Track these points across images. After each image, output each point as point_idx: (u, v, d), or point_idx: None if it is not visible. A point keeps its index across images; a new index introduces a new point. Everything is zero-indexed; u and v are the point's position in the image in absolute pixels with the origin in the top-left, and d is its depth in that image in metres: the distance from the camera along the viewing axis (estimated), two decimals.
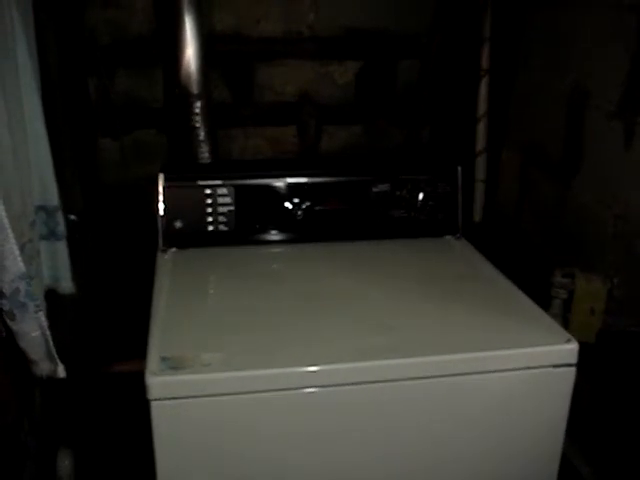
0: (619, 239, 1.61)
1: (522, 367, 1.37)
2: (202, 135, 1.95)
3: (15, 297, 1.30)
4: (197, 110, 1.92)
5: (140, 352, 1.31)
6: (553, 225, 1.88)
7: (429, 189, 1.86)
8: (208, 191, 1.78)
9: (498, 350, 1.37)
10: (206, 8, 1.94)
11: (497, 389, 1.38)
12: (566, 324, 1.63)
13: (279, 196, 1.81)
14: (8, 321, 1.33)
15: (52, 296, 1.63)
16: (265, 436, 1.31)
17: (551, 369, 1.37)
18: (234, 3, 2.04)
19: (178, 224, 1.77)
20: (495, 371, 1.36)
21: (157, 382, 1.23)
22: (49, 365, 1.46)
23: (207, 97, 1.93)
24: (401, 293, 1.57)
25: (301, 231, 1.83)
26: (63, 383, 1.53)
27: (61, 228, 1.64)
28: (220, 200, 1.78)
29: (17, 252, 1.26)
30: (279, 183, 1.81)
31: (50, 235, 1.63)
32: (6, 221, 1.22)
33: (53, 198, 1.61)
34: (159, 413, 1.25)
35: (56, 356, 1.45)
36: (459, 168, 1.88)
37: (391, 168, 1.90)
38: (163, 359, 1.27)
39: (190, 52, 1.87)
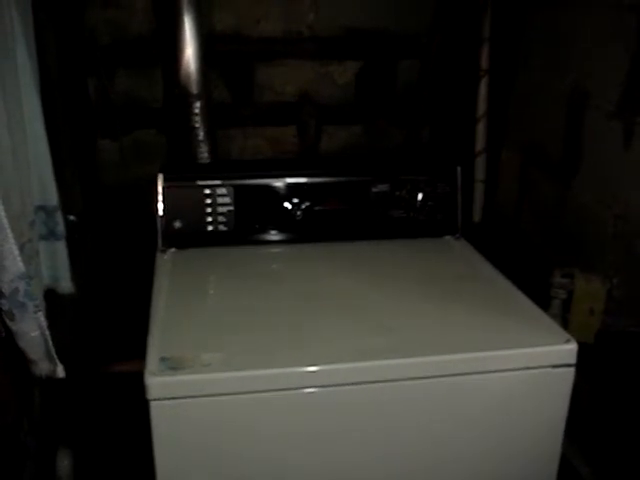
0: (619, 239, 1.61)
1: (521, 367, 1.37)
2: (201, 135, 1.95)
3: (14, 297, 1.30)
4: (196, 110, 1.92)
5: (139, 352, 1.31)
6: (553, 225, 1.88)
7: (428, 189, 1.86)
8: (207, 191, 1.78)
9: (497, 350, 1.37)
10: (206, 8, 1.94)
11: (496, 389, 1.38)
12: (565, 324, 1.63)
13: (279, 196, 1.81)
14: (7, 321, 1.33)
15: (51, 296, 1.63)
16: (265, 436, 1.31)
17: (550, 369, 1.37)
18: (234, 3, 2.04)
19: (177, 224, 1.77)
20: (494, 371, 1.36)
21: (156, 382, 1.24)
22: (48, 365, 1.46)
23: (207, 97, 1.93)
24: (400, 293, 1.57)
25: (300, 231, 1.83)
26: (62, 383, 1.53)
27: (60, 228, 1.64)
28: (219, 200, 1.78)
29: (16, 252, 1.26)
30: (279, 183, 1.81)
31: (49, 235, 1.63)
32: (5, 221, 1.22)
33: (52, 198, 1.62)
34: (158, 413, 1.25)
35: (55, 356, 1.45)
36: (459, 168, 1.88)
37: (391, 168, 1.90)
38: (162, 359, 1.27)
39: (190, 52, 1.87)
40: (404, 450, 1.38)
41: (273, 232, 1.83)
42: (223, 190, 1.78)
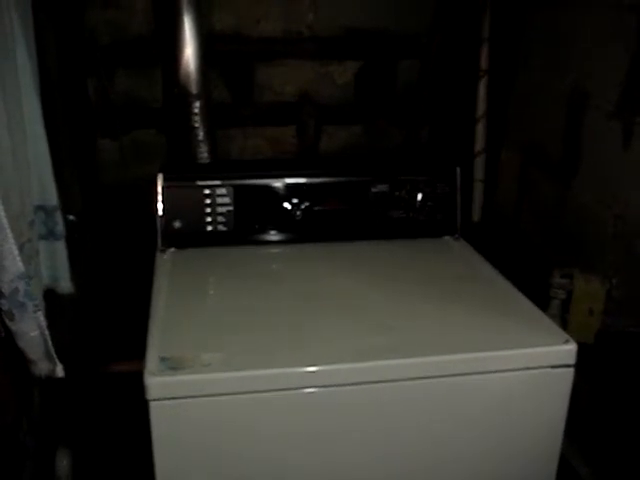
0: (618, 239, 1.61)
1: (521, 367, 1.37)
2: (201, 135, 1.95)
3: (14, 297, 1.30)
4: (196, 110, 1.92)
5: (139, 352, 1.31)
6: (552, 225, 1.88)
7: (428, 189, 1.86)
8: (207, 191, 1.78)
9: (497, 350, 1.37)
10: (205, 8, 1.93)
11: (496, 389, 1.38)
12: (565, 325, 1.63)
13: (278, 196, 1.81)
14: (7, 321, 1.33)
15: (51, 296, 1.63)
16: (265, 436, 1.31)
17: (550, 370, 1.37)
18: (234, 3, 2.04)
19: (177, 224, 1.77)
20: (494, 371, 1.36)
21: (156, 382, 1.23)
22: (48, 365, 1.46)
23: (206, 97, 1.93)
24: (400, 293, 1.57)
25: (300, 231, 1.83)
26: (62, 383, 1.53)
27: (60, 228, 1.64)
28: (219, 200, 1.78)
29: (16, 252, 1.26)
30: (278, 183, 1.81)
31: (49, 235, 1.63)
32: (5, 221, 1.22)
33: (52, 198, 1.62)
34: (158, 413, 1.25)
35: (55, 356, 1.45)
36: (458, 168, 1.88)
37: (390, 168, 1.90)
38: (162, 359, 1.27)
39: (189, 52, 1.87)
40: (404, 450, 1.39)
41: (273, 232, 1.83)
42: (223, 190, 1.78)
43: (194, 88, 1.90)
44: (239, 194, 1.79)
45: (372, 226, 1.86)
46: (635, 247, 1.56)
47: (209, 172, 1.83)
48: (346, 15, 2.12)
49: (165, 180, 1.76)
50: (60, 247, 1.66)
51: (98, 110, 2.06)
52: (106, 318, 2.10)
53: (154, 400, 1.24)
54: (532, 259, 1.95)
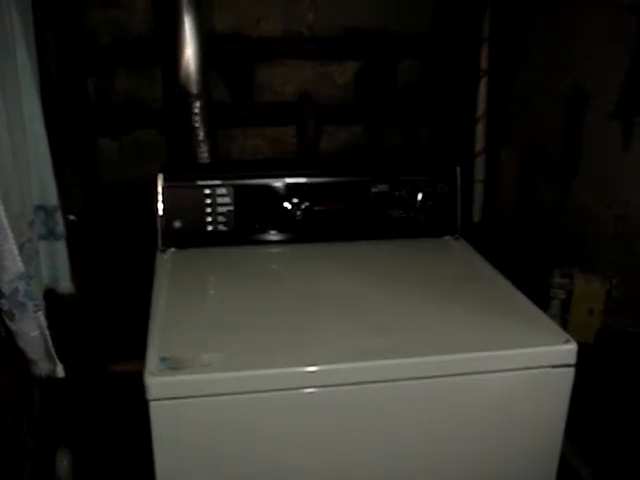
0: (618, 239, 1.61)
1: (521, 367, 1.37)
2: (201, 135, 1.95)
3: (14, 297, 1.30)
4: (196, 110, 1.92)
5: (139, 352, 1.31)
6: (552, 225, 1.88)
7: (428, 189, 1.86)
8: (207, 191, 1.78)
9: (497, 350, 1.37)
10: (206, 8, 1.93)
11: (496, 389, 1.38)
12: (565, 325, 1.63)
13: (278, 196, 1.81)
14: (7, 321, 1.33)
15: (51, 296, 1.63)
16: (265, 436, 1.31)
17: (550, 369, 1.37)
18: (234, 3, 2.04)
19: (177, 224, 1.77)
20: (494, 371, 1.36)
21: (156, 382, 1.24)
22: (48, 365, 1.46)
23: (206, 97, 1.93)
24: (400, 293, 1.57)
25: (300, 231, 1.83)
26: (62, 383, 1.53)
27: (60, 228, 1.64)
28: (219, 200, 1.79)
29: (16, 252, 1.26)
30: (278, 183, 1.81)
31: (49, 235, 1.63)
32: (5, 221, 1.22)
33: (52, 198, 1.62)
34: (158, 413, 1.25)
35: (55, 356, 1.45)
36: (458, 168, 1.88)
37: (390, 168, 1.90)
38: (162, 359, 1.27)
39: (189, 52, 1.87)
40: (404, 450, 1.39)
41: (273, 232, 1.83)
42: (223, 190, 1.78)
43: (194, 88, 1.90)
44: (239, 194, 1.79)
45: (372, 226, 1.86)
46: (635, 247, 1.56)
47: (209, 172, 1.83)
48: (346, 15, 2.12)
49: (165, 180, 1.76)
50: (60, 247, 1.66)
51: (98, 110, 2.06)
52: (106, 318, 2.10)
53: (154, 400, 1.24)
54: (532, 259, 1.95)
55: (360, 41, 2.15)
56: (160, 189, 1.75)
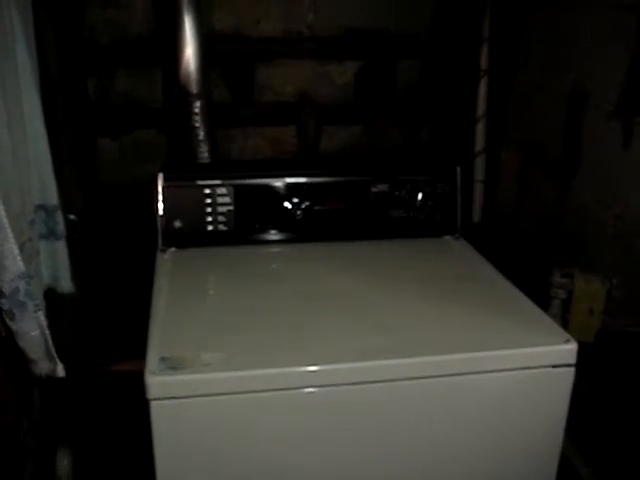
0: (618, 239, 1.61)
1: (521, 367, 1.37)
2: (201, 135, 1.95)
3: (14, 296, 1.30)
4: (196, 110, 1.92)
5: (139, 352, 1.31)
6: (552, 225, 1.89)
7: (428, 189, 1.86)
8: (207, 191, 1.78)
9: (497, 350, 1.37)
10: (206, 8, 1.94)
11: (496, 389, 1.38)
12: (565, 324, 1.63)
13: (278, 196, 1.81)
14: (7, 320, 1.33)
15: (51, 295, 1.63)
16: (264, 436, 1.31)
17: (550, 369, 1.37)
18: (234, 3, 2.04)
19: (177, 224, 1.77)
20: (494, 371, 1.36)
21: (156, 382, 1.23)
22: (48, 364, 1.46)
23: (206, 97, 1.93)
24: (400, 293, 1.57)
25: (300, 231, 1.83)
26: (62, 382, 1.53)
27: (60, 227, 1.64)
28: (219, 200, 1.79)
29: (16, 251, 1.26)
30: (278, 183, 1.81)
31: (49, 234, 1.63)
32: (5, 220, 1.22)
33: (52, 197, 1.62)
34: (158, 413, 1.25)
35: (55, 355, 1.45)
36: (458, 168, 1.88)
37: (390, 168, 1.90)
38: (162, 359, 1.27)
39: (189, 52, 1.87)
40: (404, 450, 1.38)
41: (273, 232, 1.83)
42: (223, 190, 1.78)
43: (194, 88, 1.90)
44: (239, 194, 1.79)
45: (372, 226, 1.86)
46: (635, 247, 1.56)
47: (209, 172, 1.83)
48: (346, 15, 2.12)
49: (165, 180, 1.76)
50: (60, 246, 1.66)
51: (98, 109, 2.06)
52: (106, 318, 2.10)
53: (154, 399, 1.24)
54: (532, 259, 1.95)
55: (360, 41, 2.15)
56: (160, 189, 1.75)
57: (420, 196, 1.85)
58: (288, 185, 1.81)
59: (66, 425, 1.87)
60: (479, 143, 2.10)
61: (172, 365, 1.26)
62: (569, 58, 1.78)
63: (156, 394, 1.24)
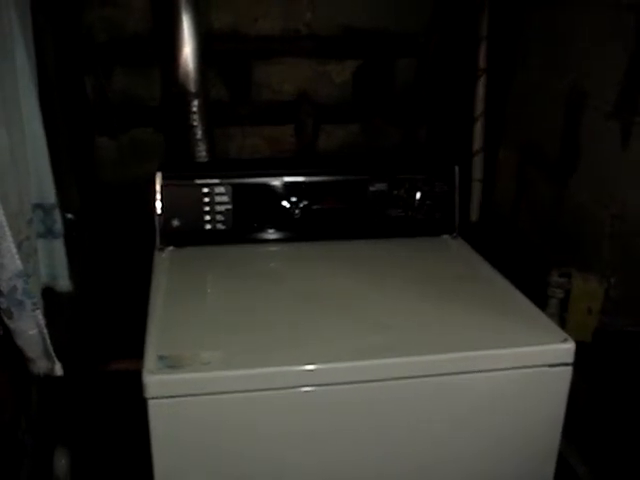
0: (616, 239, 1.62)
1: (519, 366, 1.37)
2: (199, 134, 1.95)
3: (12, 295, 1.30)
4: (194, 109, 1.92)
5: (137, 350, 1.31)
6: (550, 224, 1.89)
7: (426, 188, 1.86)
8: (205, 190, 1.78)
9: (495, 349, 1.37)
10: (203, 6, 1.93)
11: (494, 388, 1.38)
12: (563, 323, 1.63)
13: (277, 195, 1.81)
14: (5, 319, 1.33)
15: (49, 294, 1.63)
16: (263, 435, 1.31)
17: (548, 368, 1.37)
18: (232, 2, 2.04)
19: (175, 223, 1.77)
20: (492, 370, 1.36)
21: (154, 380, 1.23)
22: (46, 363, 1.46)
23: (204, 96, 1.93)
24: (398, 292, 1.57)
25: (298, 230, 1.83)
26: (60, 381, 1.53)
27: (58, 226, 1.64)
28: (217, 199, 1.78)
29: (14, 250, 1.26)
30: (277, 182, 1.81)
31: (47, 233, 1.63)
32: (3, 219, 1.22)
33: (50, 196, 1.62)
34: (156, 411, 1.25)
35: (53, 354, 1.45)
36: (456, 167, 1.88)
37: (388, 167, 1.90)
38: (160, 357, 1.27)
39: (187, 50, 1.87)
40: (403, 449, 1.39)
41: (271, 231, 1.83)
42: (221, 189, 1.78)
43: (192, 87, 1.90)
44: (237, 193, 1.79)
45: (370, 225, 1.86)
46: (633, 246, 1.56)
47: (207, 171, 1.83)
48: (344, 14, 2.12)
49: (163, 178, 1.76)
50: (58, 245, 1.66)
51: (96, 108, 2.06)
52: (104, 316, 2.10)
53: (152, 398, 1.24)
54: (530, 258, 1.96)
55: (358, 40, 2.15)
56: (158, 188, 1.75)
57: (418, 195, 1.86)
58: (286, 184, 1.81)
59: (64, 424, 1.86)
60: (477, 142, 2.10)
61: (170, 364, 1.26)
62: (567, 57, 1.78)
63: (154, 393, 1.24)
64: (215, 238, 1.80)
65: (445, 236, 1.89)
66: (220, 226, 1.79)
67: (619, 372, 1.63)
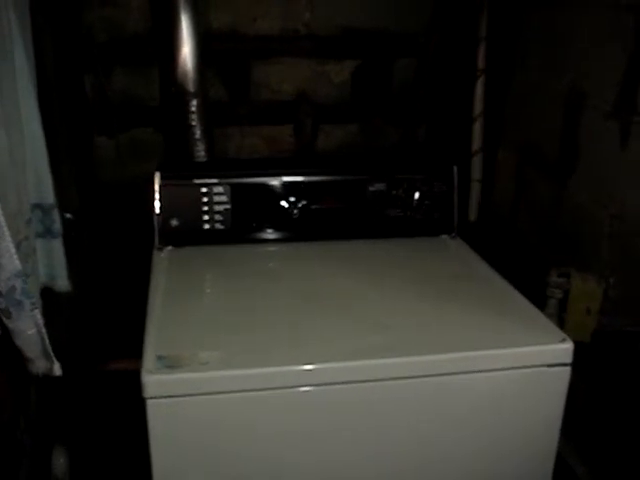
0: (615, 239, 1.62)
1: (517, 366, 1.37)
2: (198, 133, 1.95)
3: (11, 295, 1.29)
4: (193, 108, 1.92)
5: (136, 350, 1.31)
6: (549, 225, 1.89)
7: (425, 188, 1.86)
8: (204, 189, 1.78)
9: (494, 349, 1.37)
10: (202, 6, 1.93)
11: (493, 388, 1.38)
12: (561, 324, 1.63)
13: (275, 195, 1.81)
14: (4, 319, 1.33)
15: (48, 294, 1.63)
16: (261, 434, 1.31)
17: (546, 368, 1.37)
18: (231, 1, 2.04)
19: (174, 222, 1.77)
20: (490, 370, 1.36)
21: (153, 380, 1.23)
22: (45, 363, 1.46)
23: (203, 95, 1.93)
24: (397, 292, 1.57)
25: (297, 230, 1.83)
26: (59, 381, 1.53)
27: (57, 226, 1.64)
28: (216, 198, 1.78)
29: (13, 250, 1.26)
30: (275, 182, 1.81)
31: (46, 233, 1.63)
32: (2, 219, 1.22)
33: (49, 196, 1.62)
34: (155, 411, 1.25)
35: (52, 354, 1.45)
36: (455, 167, 1.88)
37: (387, 167, 1.90)
38: (159, 357, 1.27)
39: (186, 50, 1.86)
40: (401, 449, 1.38)
41: (270, 230, 1.83)
42: (220, 188, 1.78)
43: (191, 86, 1.90)
44: (236, 192, 1.79)
45: (369, 225, 1.86)
46: (631, 247, 1.57)
47: (206, 170, 1.83)
48: (343, 14, 2.12)
49: (162, 178, 1.76)
50: (57, 245, 1.66)
51: (95, 108, 2.06)
52: (103, 316, 2.10)
53: (151, 398, 1.24)
54: (529, 258, 1.96)
55: (357, 40, 2.15)
56: (157, 187, 1.75)
57: (417, 195, 1.85)
58: (285, 184, 1.81)
59: (62, 424, 1.86)
60: (476, 142, 2.10)
61: (169, 364, 1.26)
62: (566, 58, 1.78)
63: (152, 393, 1.24)
64: (214, 238, 1.80)
65: (444, 236, 1.89)
66: (219, 226, 1.79)
67: (618, 372, 1.63)
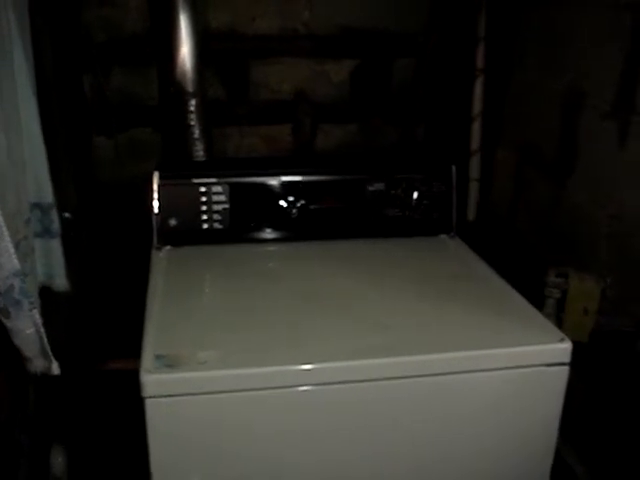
0: (613, 239, 1.62)
1: (515, 366, 1.37)
2: (197, 133, 1.95)
3: (9, 294, 1.30)
4: (192, 108, 1.92)
5: (135, 350, 1.31)
6: (547, 225, 1.89)
7: (424, 188, 1.86)
8: (203, 189, 1.78)
9: (492, 349, 1.37)
10: (201, 6, 1.93)
11: (491, 388, 1.38)
12: (560, 323, 1.63)
13: (274, 194, 1.81)
14: (2, 318, 1.33)
15: (46, 293, 1.63)
16: (260, 434, 1.31)
17: (544, 368, 1.37)
18: (229, 1, 2.04)
19: (173, 222, 1.77)
20: (488, 370, 1.36)
21: (152, 380, 1.23)
22: (43, 362, 1.46)
23: (202, 95, 1.93)
24: (396, 292, 1.57)
25: (296, 229, 1.83)
26: (57, 380, 1.53)
27: (56, 226, 1.64)
28: (215, 198, 1.78)
29: (12, 249, 1.26)
30: (274, 181, 1.81)
31: (45, 232, 1.63)
32: (1, 219, 1.22)
33: (48, 196, 1.62)
34: (154, 411, 1.25)
35: (50, 353, 1.45)
36: (454, 167, 1.88)
37: (386, 167, 1.90)
38: (158, 357, 1.27)
39: (185, 50, 1.86)
40: (399, 448, 1.38)
41: (268, 230, 1.83)
42: (218, 188, 1.78)
43: (190, 86, 1.90)
44: (235, 192, 1.79)
45: (368, 224, 1.86)
46: (629, 247, 1.57)
47: (205, 170, 1.82)
48: (342, 13, 2.12)
49: (161, 178, 1.75)
50: (56, 245, 1.66)
51: (94, 108, 2.06)
52: (102, 316, 2.10)
53: (150, 397, 1.24)
54: (527, 258, 1.96)
55: (356, 39, 2.15)
56: (155, 187, 1.75)
57: (416, 195, 1.86)
58: (284, 183, 1.81)
59: (61, 423, 1.86)
60: (475, 142, 2.10)
61: (167, 363, 1.26)
62: (565, 57, 1.78)
63: (151, 392, 1.24)
64: (212, 237, 1.80)
65: (442, 236, 1.89)
66: (217, 225, 1.79)
67: (616, 372, 1.63)
